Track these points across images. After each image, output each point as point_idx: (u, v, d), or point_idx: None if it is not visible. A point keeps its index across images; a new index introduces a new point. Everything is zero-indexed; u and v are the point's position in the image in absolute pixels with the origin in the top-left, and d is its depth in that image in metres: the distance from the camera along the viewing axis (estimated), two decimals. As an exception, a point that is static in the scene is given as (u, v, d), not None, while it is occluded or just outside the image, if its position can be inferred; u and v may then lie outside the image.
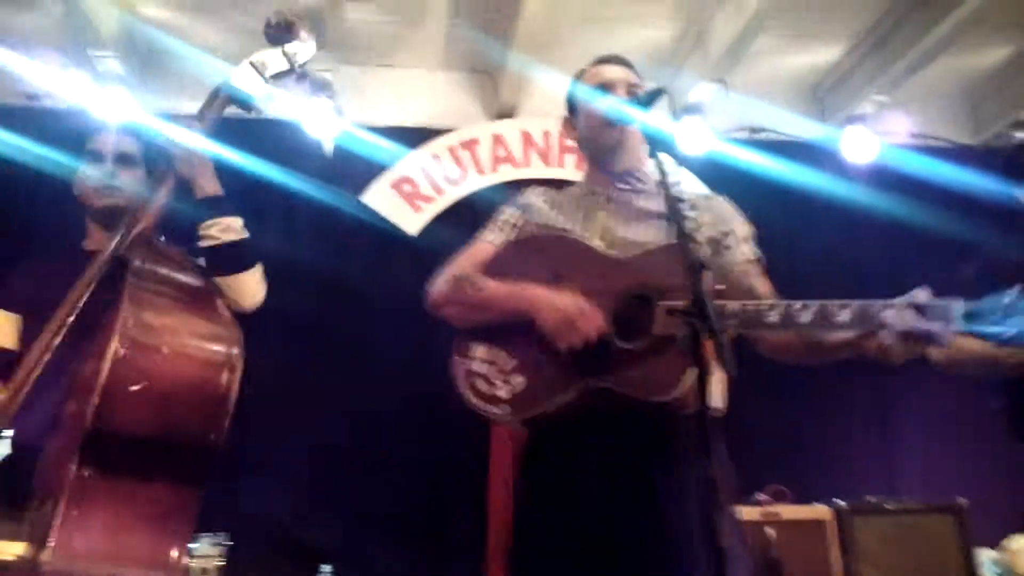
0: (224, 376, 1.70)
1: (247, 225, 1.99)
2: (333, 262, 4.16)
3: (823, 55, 4.80)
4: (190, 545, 2.95)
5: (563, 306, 1.58)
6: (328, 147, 4.38)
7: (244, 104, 1.98)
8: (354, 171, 4.45)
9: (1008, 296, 1.34)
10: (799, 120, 4.85)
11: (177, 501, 1.65)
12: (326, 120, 4.30)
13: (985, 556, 3.50)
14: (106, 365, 1.56)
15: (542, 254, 1.69)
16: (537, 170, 4.62)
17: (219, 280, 1.92)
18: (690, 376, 1.46)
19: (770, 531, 3.28)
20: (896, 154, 4.68)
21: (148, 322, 1.67)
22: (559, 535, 1.60)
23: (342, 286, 4.19)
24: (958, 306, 1.36)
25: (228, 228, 1.94)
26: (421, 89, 4.81)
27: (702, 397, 1.28)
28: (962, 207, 4.34)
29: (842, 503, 3.42)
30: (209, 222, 1.94)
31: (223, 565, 3.12)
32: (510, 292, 1.67)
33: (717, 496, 1.23)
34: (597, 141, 1.84)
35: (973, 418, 4.32)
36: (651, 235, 1.72)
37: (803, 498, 3.54)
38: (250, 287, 1.96)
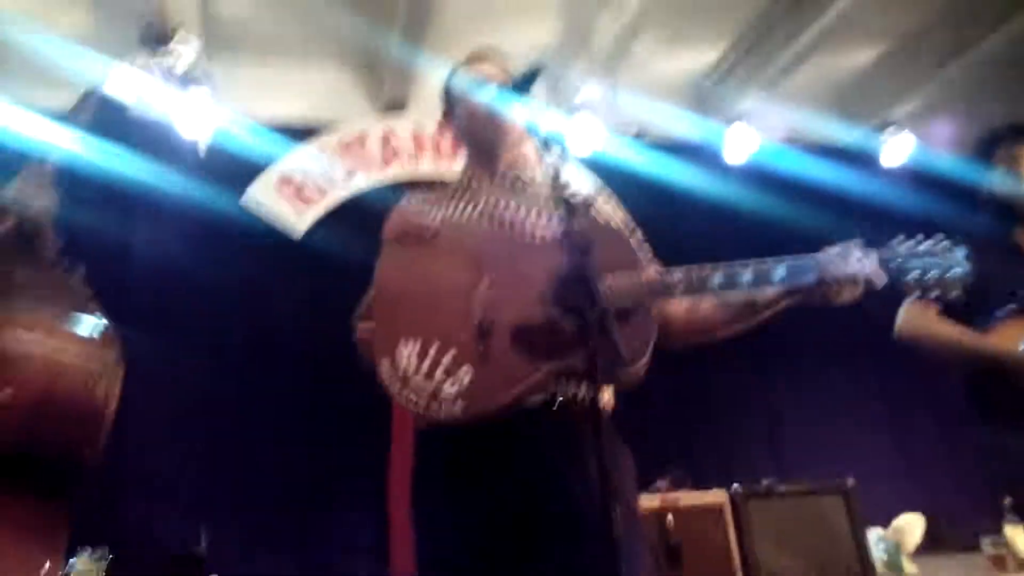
0: (100, 388, 1.60)
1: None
2: (214, 268, 3.90)
3: (704, 56, 4.94)
4: (71, 560, 2.90)
5: None
6: (202, 145, 4.12)
7: (116, 111, 1.87)
8: (231, 170, 4.19)
9: (911, 243, 1.49)
10: (682, 119, 4.97)
11: (48, 517, 1.56)
12: (200, 116, 4.03)
13: (874, 534, 3.66)
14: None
15: (456, 247, 1.55)
16: (428, 166, 4.52)
17: None
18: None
19: (669, 518, 3.32)
20: (773, 151, 4.88)
21: (16, 328, 1.55)
22: (462, 527, 1.51)
23: (225, 293, 3.94)
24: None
25: None
26: (300, 83, 4.61)
27: (594, 395, 1.27)
28: (832, 202, 4.57)
29: (738, 487, 3.49)
30: None
31: (103, 580, 3.01)
32: None
33: (610, 488, 1.21)
34: (478, 135, 1.76)
35: (860, 401, 4.57)
36: (551, 227, 1.61)
37: (702, 484, 3.58)
38: None
